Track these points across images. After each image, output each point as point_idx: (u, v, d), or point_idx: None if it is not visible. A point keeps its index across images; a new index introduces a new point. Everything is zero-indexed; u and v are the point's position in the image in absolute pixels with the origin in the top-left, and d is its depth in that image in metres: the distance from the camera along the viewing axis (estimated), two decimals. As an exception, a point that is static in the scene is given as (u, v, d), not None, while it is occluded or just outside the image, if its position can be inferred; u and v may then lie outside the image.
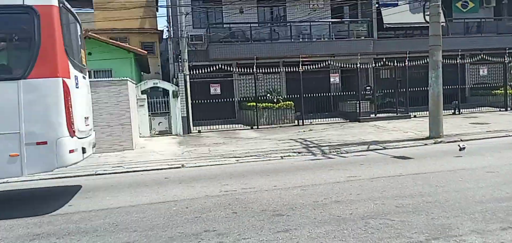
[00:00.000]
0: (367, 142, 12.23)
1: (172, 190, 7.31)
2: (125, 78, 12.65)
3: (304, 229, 5.02)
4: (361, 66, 18.17)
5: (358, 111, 18.05)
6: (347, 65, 18.15)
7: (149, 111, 15.72)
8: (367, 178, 7.63)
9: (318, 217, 5.47)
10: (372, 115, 18.30)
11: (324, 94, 18.54)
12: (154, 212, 5.92)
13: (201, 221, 5.45)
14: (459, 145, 10.33)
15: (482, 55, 19.55)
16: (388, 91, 19.43)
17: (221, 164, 10.12)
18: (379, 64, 18.63)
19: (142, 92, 15.44)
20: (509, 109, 19.77)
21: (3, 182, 8.77)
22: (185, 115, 15.95)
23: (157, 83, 15.94)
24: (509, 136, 12.27)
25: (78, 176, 9.27)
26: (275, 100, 18.21)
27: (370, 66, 18.85)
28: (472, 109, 19.85)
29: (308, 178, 7.84)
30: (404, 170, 8.15)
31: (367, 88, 18.92)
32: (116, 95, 12.41)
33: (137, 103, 15.03)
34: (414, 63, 18.12)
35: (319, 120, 18.13)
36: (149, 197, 6.86)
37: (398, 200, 6.08)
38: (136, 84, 15.15)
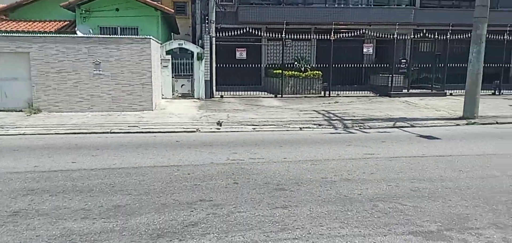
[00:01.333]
0: (394, 118, 11.53)
1: (179, 154, 7.12)
2: (148, 37, 12.46)
3: (305, 207, 4.68)
4: (399, 37, 17.04)
5: (390, 85, 17.11)
6: (384, 35, 17.05)
7: (173, 72, 15.56)
8: (385, 157, 7.12)
9: (323, 195, 5.10)
10: (405, 91, 17.31)
11: (356, 65, 17.64)
12: (154, 176, 5.75)
13: (199, 189, 5.22)
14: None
15: (534, 32, 17.88)
16: (425, 66, 18.24)
17: (237, 131, 9.84)
18: (419, 35, 17.40)
19: (167, 53, 15.25)
20: (558, 92, 18.16)
21: (14, 133, 8.94)
22: (208, 78, 15.68)
23: (182, 44, 15.67)
24: (554, 122, 11.20)
25: (93, 133, 9.30)
26: (302, 69, 17.57)
27: (409, 37, 17.67)
28: (515, 91, 18.39)
29: (322, 152, 7.42)
30: (428, 151, 7.55)
31: (402, 61, 17.84)
32: (139, 54, 12.28)
33: (161, 63, 14.91)
34: (456, 37, 16.79)
35: (347, 92, 17.37)
36: (154, 160, 6.71)
37: (414, 183, 5.59)
38: (161, 44, 14.98)
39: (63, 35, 12.64)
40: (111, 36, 12.75)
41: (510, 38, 17.71)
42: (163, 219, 4.27)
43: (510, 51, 20.08)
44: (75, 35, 13.00)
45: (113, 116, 11.53)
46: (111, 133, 9.38)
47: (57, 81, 12.10)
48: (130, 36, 12.77)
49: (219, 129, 10.02)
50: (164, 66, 15.06)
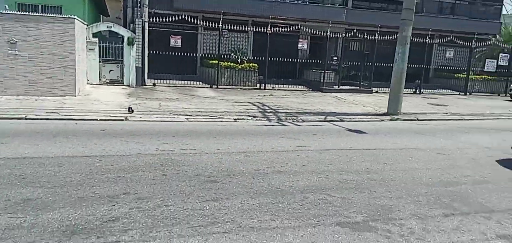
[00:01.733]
0: (325, 112, 11.87)
1: (102, 144, 6.60)
2: (72, 16, 11.46)
3: (236, 200, 4.54)
4: (331, 35, 17.61)
5: (322, 81, 17.66)
6: (317, 32, 17.51)
7: (100, 56, 14.55)
8: (316, 149, 7.24)
9: (256, 187, 5.01)
10: (336, 87, 17.98)
11: (291, 60, 17.91)
12: (72, 167, 5.24)
13: (123, 181, 4.84)
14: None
15: (451, 37, 19.51)
16: (355, 63, 19.09)
17: (169, 121, 9.44)
18: (350, 34, 18.13)
19: (94, 35, 14.20)
20: (468, 93, 20.06)
21: None
22: (140, 65, 14.90)
23: (111, 26, 14.70)
24: (464, 120, 12.30)
25: (5, 118, 8.34)
26: (239, 60, 17.44)
27: (340, 35, 18.33)
28: (433, 90, 19.98)
29: (255, 144, 7.35)
30: (356, 144, 7.82)
31: (334, 58, 18.49)
32: (61, 34, 11.25)
33: (86, 46, 13.86)
34: (384, 37, 17.78)
35: (282, 86, 17.61)
36: (73, 149, 6.14)
37: (343, 175, 5.72)
38: (87, 25, 13.91)
39: (-30, 8, 11.18)
40: (30, 13, 11.52)
41: (431, 41, 19.16)
42: (79, 214, 3.87)
43: (430, 53, 21.80)
44: (-15, 9, 11.56)
45: (30, 101, 10.48)
46: (26, 119, 8.47)
47: (-36, 59, 10.71)
48: (52, 15, 11.66)
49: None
50: (90, 49, 14.01)
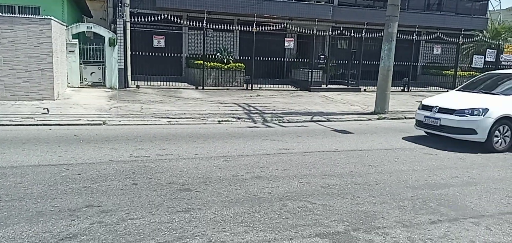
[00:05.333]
0: (312, 112, 11.62)
1: (73, 151, 6.25)
2: (48, 17, 11.04)
3: (209, 210, 4.24)
4: (318, 33, 17.38)
5: (309, 80, 17.42)
6: (304, 31, 17.25)
7: (81, 58, 14.12)
8: (300, 151, 6.96)
9: (232, 195, 4.71)
10: (323, 86, 17.75)
11: (278, 59, 17.63)
12: (36, 177, 4.88)
13: (88, 192, 4.51)
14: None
15: (438, 34, 19.42)
16: (342, 62, 18.87)
17: (150, 124, 9.10)
18: (337, 32, 17.91)
19: (74, 37, 13.76)
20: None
21: None
22: (123, 67, 14.48)
23: (91, 27, 14.26)
24: (453, 117, 12.12)
25: (-26, 125, 7.92)
26: (225, 60, 17.13)
27: (327, 33, 18.10)
28: (421, 88, 19.89)
29: (236, 148, 7.05)
30: (341, 146, 7.57)
31: (321, 56, 18.28)
32: (37, 36, 10.82)
33: (66, 48, 13.42)
34: (371, 35, 17.59)
35: (269, 86, 17.33)
36: (41, 157, 5.78)
37: (325, 179, 5.45)
38: (66, 27, 13.47)
39: None
40: (4, 14, 11.07)
41: (418, 38, 19.03)
42: (34, 231, 3.53)
43: (417, 50, 21.70)
44: (-43, 11, 11.08)
45: (5, 106, 10.05)
46: (-3, 125, 8.07)
47: None
48: (27, 16, 11.21)
49: (128, 123, 9.17)
50: (70, 51, 13.57)
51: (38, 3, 13.97)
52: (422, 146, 7.84)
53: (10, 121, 8.50)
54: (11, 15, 11.02)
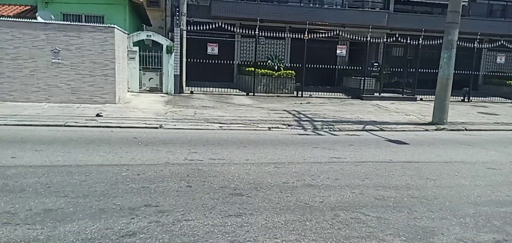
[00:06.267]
0: (364, 121, 11.33)
1: (133, 152, 6.58)
2: (112, 25, 11.77)
3: (260, 216, 4.27)
4: (372, 40, 16.94)
5: (362, 88, 17.01)
6: (357, 38, 16.91)
7: (140, 65, 14.87)
8: (352, 161, 6.82)
9: (283, 202, 4.71)
10: (376, 94, 17.25)
11: (329, 66, 17.42)
12: (99, 176, 5.21)
13: (147, 192, 4.72)
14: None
15: (502, 42, 18.18)
16: (397, 70, 18.22)
17: (203, 129, 9.36)
18: (391, 39, 17.36)
19: (135, 44, 14.54)
20: (523, 101, 18.59)
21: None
22: (178, 73, 15.06)
23: (151, 35, 14.99)
24: (520, 130, 11.29)
25: (45, 125, 8.60)
26: (275, 68, 17.22)
27: (381, 41, 17.59)
28: (483, 98, 18.67)
29: (287, 155, 7.05)
30: (395, 156, 7.30)
31: (375, 64, 17.78)
32: (101, 43, 11.58)
33: (127, 55, 14.21)
34: (428, 42, 16.84)
35: (320, 93, 17.15)
36: (103, 157, 6.15)
37: (379, 191, 5.29)
38: (127, 34, 14.27)
39: (19, 20, 11.76)
40: (72, 23, 11.95)
41: (480, 46, 17.94)
42: (97, 227, 3.77)
43: (479, 59, 20.46)
44: (32, 20, 12.13)
45: (71, 108, 10.82)
46: (64, 126, 8.70)
47: (12, 68, 11.27)
48: (92, 24, 12.02)
49: (182, 127, 9.49)
50: (131, 58, 14.35)
51: (102, 12, 14.94)
52: (485, 161, 7.36)
53: (75, 122, 9.12)
54: (78, 23, 11.86)
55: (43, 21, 12.32)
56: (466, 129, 10.91)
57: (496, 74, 20.34)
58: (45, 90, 11.49)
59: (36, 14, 14.42)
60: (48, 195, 4.44)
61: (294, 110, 12.81)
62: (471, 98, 18.09)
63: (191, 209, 4.32)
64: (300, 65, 16.77)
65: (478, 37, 17.88)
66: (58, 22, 12.11)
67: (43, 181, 4.88)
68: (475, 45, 17.64)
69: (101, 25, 12.13)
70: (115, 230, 3.71)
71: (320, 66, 16.93)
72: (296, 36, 16.83)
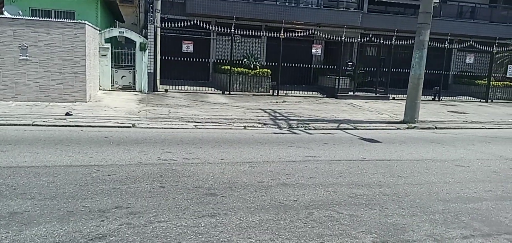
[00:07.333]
0: (339, 120, 11.48)
1: (103, 152, 6.41)
2: (82, 21, 11.43)
3: (235, 216, 4.24)
4: (346, 40, 17.17)
5: (336, 87, 17.22)
6: (332, 37, 17.09)
7: (113, 62, 14.52)
8: (326, 159, 6.88)
9: (257, 201, 4.70)
10: (351, 93, 17.51)
11: (305, 65, 17.54)
12: (67, 177, 5.03)
13: (118, 194, 4.60)
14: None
15: (471, 42, 18.80)
16: (370, 69, 18.54)
17: (177, 128, 9.22)
18: (365, 39, 17.65)
19: (107, 41, 14.18)
20: (490, 101, 19.28)
21: None
22: (152, 71, 14.79)
23: (123, 32, 14.67)
24: (485, 128, 11.70)
25: (12, 125, 8.27)
26: (251, 66, 17.19)
27: (356, 40, 17.84)
28: (452, 97, 19.29)
29: (262, 154, 7.04)
30: (368, 155, 7.42)
31: (349, 63, 18.03)
32: (72, 40, 11.22)
33: (99, 52, 13.85)
34: (400, 42, 17.21)
35: (296, 92, 17.25)
36: (73, 158, 5.96)
37: (353, 189, 5.35)
38: (99, 31, 13.90)
39: (-17, 14, 11.26)
40: (41, 18, 11.52)
41: (450, 46, 18.50)
42: (65, 230, 3.63)
43: (449, 59, 21.09)
44: (-1, 15, 11.64)
45: (40, 107, 10.45)
46: (32, 125, 8.39)
47: (-25, 65, 10.78)
48: (62, 20, 11.63)
49: (156, 126, 9.34)
50: (102, 55, 13.99)
51: (73, 7, 14.49)
52: (454, 158, 7.59)
53: (43, 121, 8.81)
54: (48, 19, 11.45)
55: (10, 16, 11.82)
56: (436, 128, 11.23)
57: (465, 73, 21.02)
58: (12, 88, 11.05)
59: (3, 9, 13.83)
60: (14, 198, 4.26)
61: (270, 109, 12.83)
62: (441, 97, 18.62)
63: (163, 210, 4.24)
64: (276, 64, 16.81)
65: (449, 37, 18.42)
66: (26, 17, 11.64)
67: (8, 183, 4.68)
68: (446, 45, 18.16)
69: (72, 21, 11.77)
70: (84, 233, 3.59)
71: (296, 65, 17.03)
72: (272, 35, 16.84)
